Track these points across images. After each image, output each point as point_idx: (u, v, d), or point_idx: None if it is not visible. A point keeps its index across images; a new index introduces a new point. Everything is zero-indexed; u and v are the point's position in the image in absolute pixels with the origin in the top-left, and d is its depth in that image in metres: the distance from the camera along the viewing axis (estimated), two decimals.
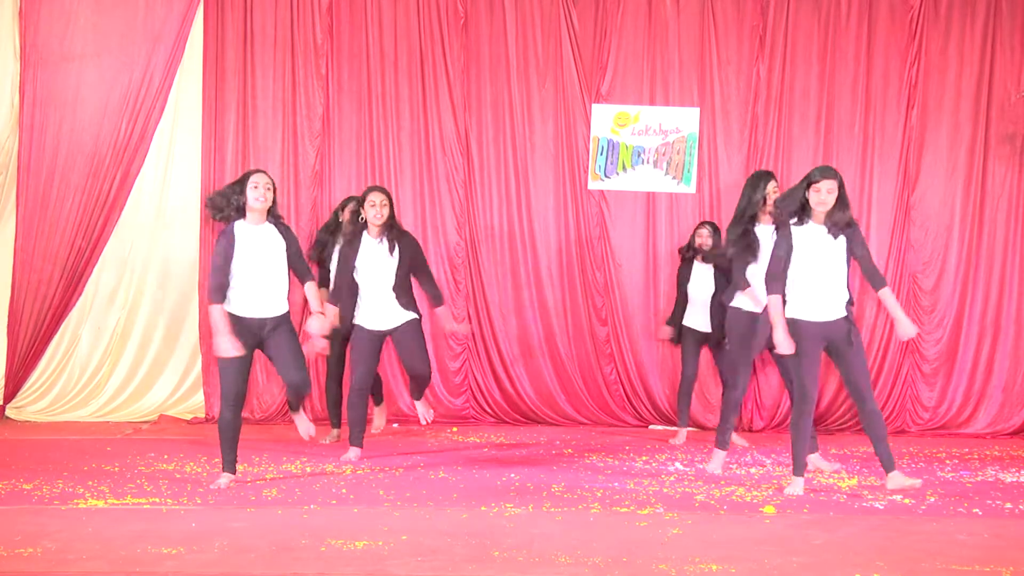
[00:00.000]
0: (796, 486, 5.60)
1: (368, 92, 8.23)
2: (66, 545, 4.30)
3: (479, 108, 8.29)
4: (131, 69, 8.05)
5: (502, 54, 8.28)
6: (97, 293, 8.21)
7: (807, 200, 5.48)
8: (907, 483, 5.58)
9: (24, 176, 8.03)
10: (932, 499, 5.51)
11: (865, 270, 5.60)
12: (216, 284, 5.53)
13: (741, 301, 6.19)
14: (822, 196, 5.43)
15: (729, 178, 8.23)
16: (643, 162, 8.25)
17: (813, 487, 5.77)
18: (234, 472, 5.69)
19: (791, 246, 5.51)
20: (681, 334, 7.46)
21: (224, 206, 5.59)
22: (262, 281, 5.59)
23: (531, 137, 8.30)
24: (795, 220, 5.53)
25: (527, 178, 8.30)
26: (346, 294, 6.45)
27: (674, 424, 8.02)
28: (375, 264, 6.37)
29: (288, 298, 5.75)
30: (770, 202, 6.13)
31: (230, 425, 5.63)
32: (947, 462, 6.80)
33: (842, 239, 5.49)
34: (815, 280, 5.48)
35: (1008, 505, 5.42)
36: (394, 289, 6.38)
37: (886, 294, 5.60)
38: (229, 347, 5.47)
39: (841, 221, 5.45)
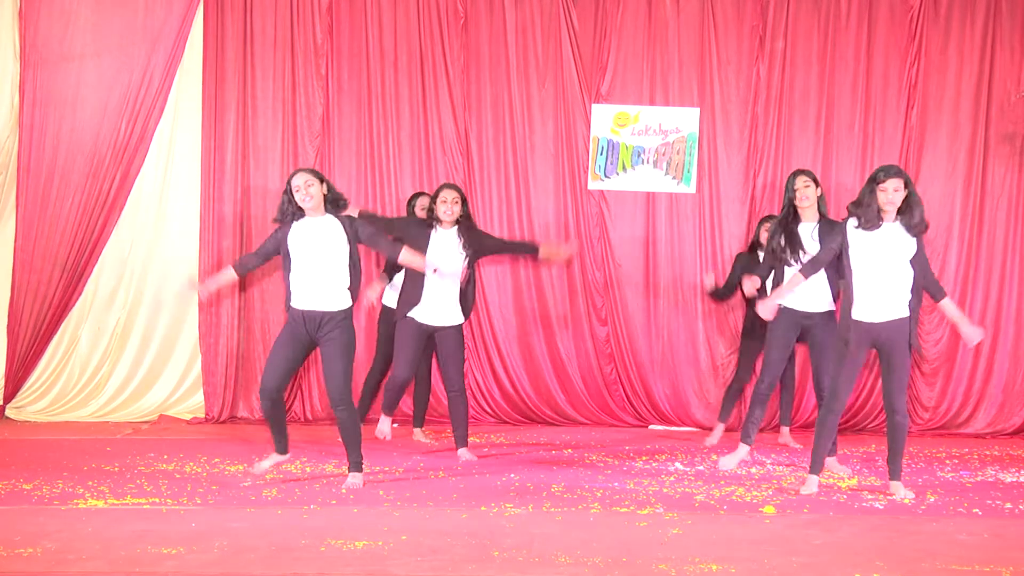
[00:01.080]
0: (811, 484, 5.63)
1: (368, 92, 8.23)
2: (66, 545, 4.30)
3: (479, 108, 8.29)
4: (131, 69, 8.05)
5: (502, 54, 8.28)
6: (97, 293, 8.20)
7: (876, 201, 5.44)
8: (901, 494, 5.57)
9: (24, 176, 8.03)
10: (932, 499, 5.51)
11: (923, 278, 5.53)
12: (241, 259, 5.97)
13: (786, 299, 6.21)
14: (889, 195, 5.41)
15: (729, 178, 8.23)
16: (643, 162, 8.25)
17: None
18: (284, 453, 5.82)
19: (840, 245, 5.53)
20: (744, 335, 7.36)
21: (281, 216, 5.72)
22: (316, 275, 5.60)
23: (531, 137, 8.30)
24: (864, 222, 5.47)
25: (527, 178, 8.30)
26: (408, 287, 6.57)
27: (674, 424, 8.06)
28: (444, 257, 6.44)
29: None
30: (798, 197, 6.23)
31: (268, 414, 5.70)
32: (947, 462, 6.81)
33: (912, 243, 5.45)
34: (878, 281, 5.46)
35: (1008, 505, 5.42)
36: (459, 285, 6.49)
37: (947, 304, 5.60)
38: (197, 287, 5.95)
39: (917, 221, 5.42)
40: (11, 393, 8.04)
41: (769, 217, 7.31)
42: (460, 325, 6.60)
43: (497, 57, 8.28)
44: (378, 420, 7.20)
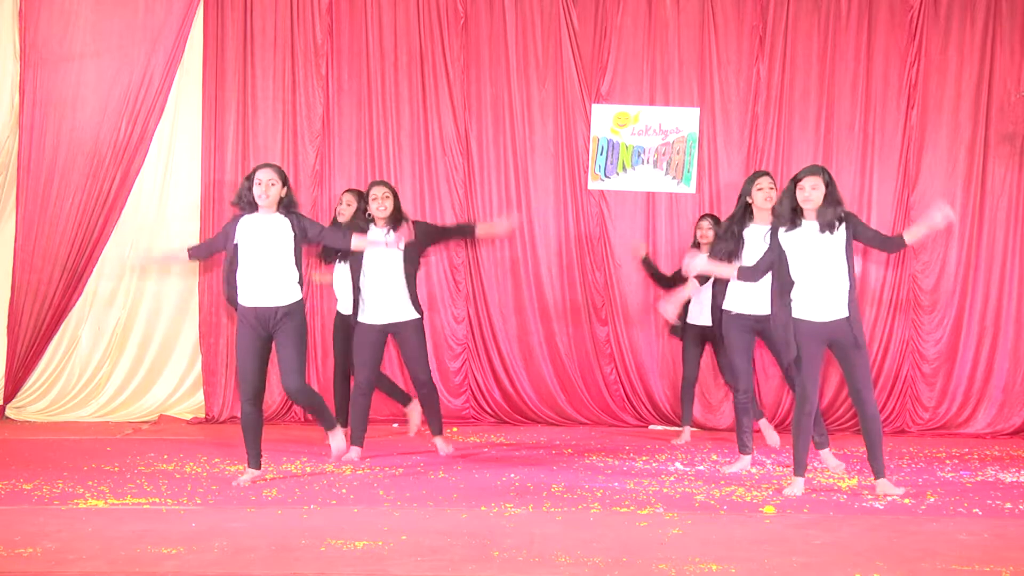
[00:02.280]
0: (796, 486, 5.60)
1: (368, 92, 8.23)
2: (66, 545, 4.30)
3: (479, 108, 8.29)
4: (131, 69, 8.05)
5: (502, 54, 8.28)
6: (97, 293, 8.21)
7: (794, 200, 5.46)
8: (892, 492, 5.56)
9: (24, 176, 8.03)
10: (932, 499, 5.51)
11: (881, 245, 5.54)
12: (195, 247, 6.03)
13: (733, 303, 6.22)
14: (806, 193, 5.42)
15: (729, 178, 8.23)
16: (643, 162, 8.25)
17: (813, 487, 5.77)
18: (259, 468, 5.73)
19: (777, 252, 5.51)
20: (683, 330, 7.40)
21: (238, 200, 5.82)
22: (266, 270, 5.63)
23: (531, 137, 8.30)
24: (789, 224, 5.49)
25: (527, 178, 8.30)
26: (353, 290, 6.51)
27: (674, 424, 8.04)
28: (381, 256, 6.41)
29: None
30: (756, 200, 6.15)
31: (250, 420, 5.66)
32: (947, 462, 6.80)
33: (840, 235, 5.44)
34: (813, 280, 5.46)
35: (1008, 505, 5.42)
36: (403, 280, 6.43)
37: (910, 234, 5.47)
38: (143, 258, 5.84)
39: (830, 218, 5.40)
40: (11, 393, 8.05)
41: (707, 216, 7.37)
42: (418, 320, 6.52)
43: (497, 57, 8.28)
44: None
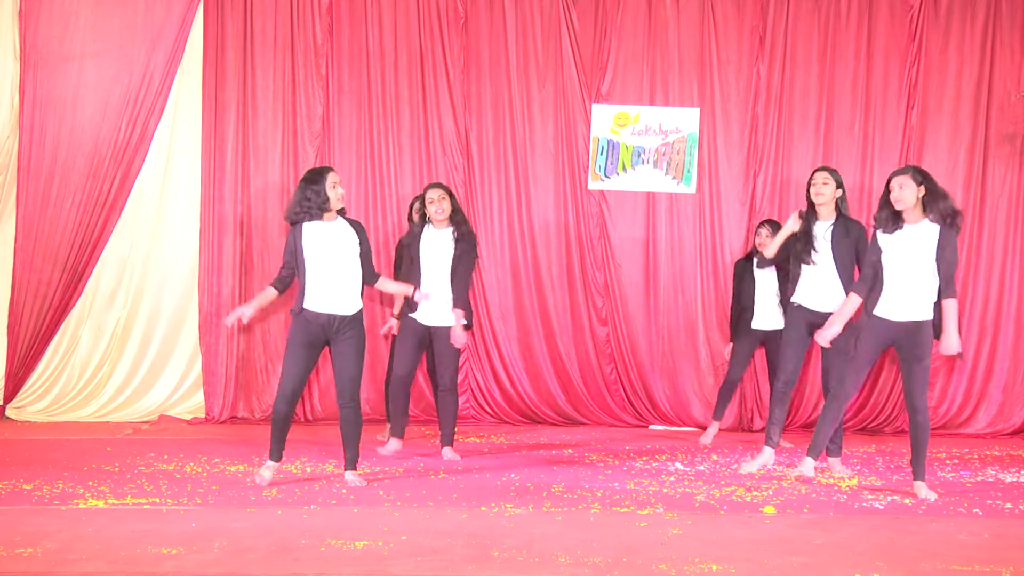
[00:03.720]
0: (806, 466, 5.66)
1: (368, 92, 8.23)
2: (66, 545, 4.29)
3: (479, 108, 8.29)
4: (131, 69, 8.05)
5: (502, 54, 8.28)
6: (97, 293, 8.20)
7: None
8: (923, 494, 5.58)
9: (24, 176, 8.03)
10: (932, 499, 5.51)
11: (941, 274, 5.50)
12: (278, 277, 5.75)
13: (800, 296, 6.23)
14: (895, 194, 5.48)
15: (729, 178, 8.23)
16: (643, 162, 8.25)
17: (813, 487, 5.78)
18: (279, 460, 5.71)
19: (877, 254, 5.58)
20: (741, 332, 7.29)
21: (309, 207, 5.58)
22: (335, 277, 5.60)
23: (531, 137, 8.30)
24: (887, 226, 5.54)
25: (527, 178, 8.30)
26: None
27: (674, 424, 8.05)
28: (436, 254, 6.50)
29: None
30: (813, 192, 6.19)
31: (282, 418, 5.61)
32: (947, 462, 6.81)
33: (932, 241, 5.44)
34: (890, 279, 5.51)
35: (1008, 505, 5.42)
36: (450, 281, 6.49)
37: (948, 305, 5.47)
38: (242, 314, 5.74)
39: (942, 210, 5.42)
40: (11, 393, 8.04)
41: (767, 222, 7.28)
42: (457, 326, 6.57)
43: (497, 57, 8.28)
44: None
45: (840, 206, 6.21)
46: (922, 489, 5.60)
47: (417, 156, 8.26)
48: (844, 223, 6.16)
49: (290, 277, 5.72)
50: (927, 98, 8.18)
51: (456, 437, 6.85)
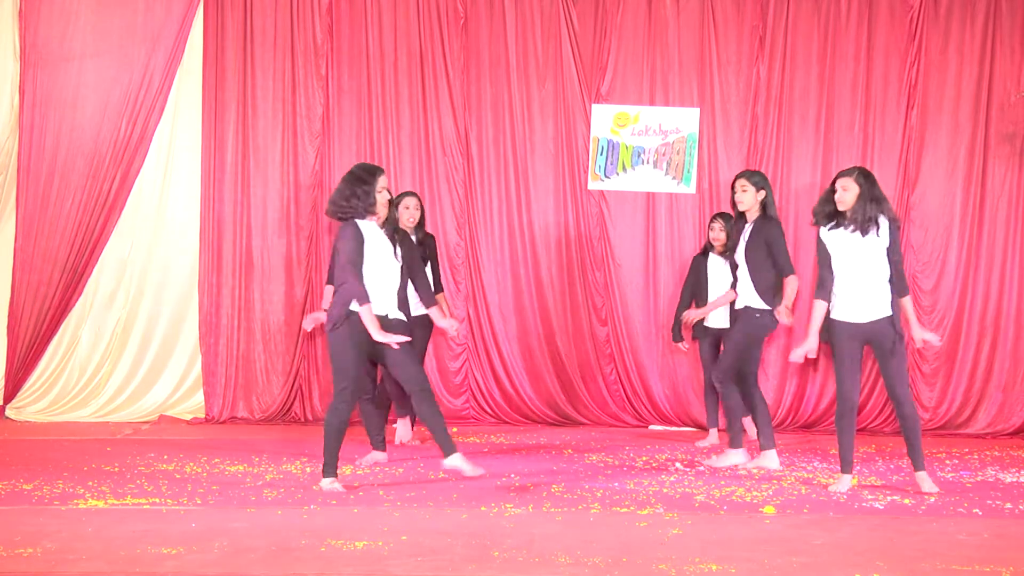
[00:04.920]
0: (842, 483, 5.65)
1: (368, 92, 8.23)
2: (66, 545, 4.29)
3: (479, 108, 8.29)
4: (131, 69, 8.05)
5: (502, 54, 8.28)
6: (97, 293, 8.20)
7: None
8: (927, 487, 5.61)
9: (24, 176, 8.03)
10: (932, 499, 5.51)
11: (891, 273, 5.54)
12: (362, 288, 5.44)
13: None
14: (838, 195, 5.53)
15: (729, 178, 8.20)
16: (643, 162, 8.25)
17: (813, 487, 5.78)
18: (336, 475, 5.55)
19: (826, 252, 5.59)
20: (702, 333, 7.26)
21: (359, 204, 5.51)
22: (395, 281, 5.70)
23: (531, 137, 8.30)
24: (832, 224, 5.58)
25: (527, 178, 8.30)
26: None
27: (674, 424, 8.04)
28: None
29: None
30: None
31: (342, 419, 5.47)
32: (947, 462, 6.80)
33: (882, 238, 5.49)
34: (850, 280, 5.52)
35: (1008, 505, 5.42)
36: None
37: (906, 303, 5.57)
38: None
39: (860, 218, 5.46)
40: (11, 393, 8.04)
41: (720, 215, 7.30)
42: (418, 317, 6.51)
43: (497, 57, 8.28)
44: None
45: (767, 206, 6.24)
46: (925, 481, 5.62)
47: (417, 156, 8.25)
48: (759, 223, 6.21)
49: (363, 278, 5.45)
50: (927, 98, 8.18)
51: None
